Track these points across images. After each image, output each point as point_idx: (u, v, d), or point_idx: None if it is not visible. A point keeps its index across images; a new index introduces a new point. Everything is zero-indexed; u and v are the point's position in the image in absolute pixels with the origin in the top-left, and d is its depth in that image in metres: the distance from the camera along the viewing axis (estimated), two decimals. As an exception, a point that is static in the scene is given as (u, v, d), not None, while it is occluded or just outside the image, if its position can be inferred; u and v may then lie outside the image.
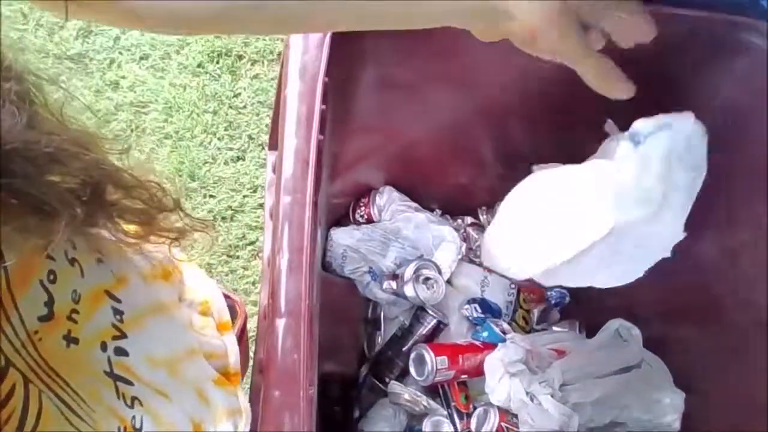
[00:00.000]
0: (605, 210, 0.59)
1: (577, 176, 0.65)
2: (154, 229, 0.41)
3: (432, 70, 0.75)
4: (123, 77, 1.47)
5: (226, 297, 0.66)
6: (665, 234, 0.64)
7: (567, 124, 0.90)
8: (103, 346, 0.40)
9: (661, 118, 0.59)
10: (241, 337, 0.64)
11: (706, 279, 0.84)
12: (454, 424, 0.89)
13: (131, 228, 0.41)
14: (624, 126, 0.61)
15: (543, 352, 0.89)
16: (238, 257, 1.34)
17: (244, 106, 1.46)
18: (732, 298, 0.78)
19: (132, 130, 1.42)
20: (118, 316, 0.41)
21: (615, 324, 0.91)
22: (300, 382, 0.46)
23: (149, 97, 1.45)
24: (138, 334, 0.43)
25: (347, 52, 0.61)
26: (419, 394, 0.88)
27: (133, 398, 0.41)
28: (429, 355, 0.86)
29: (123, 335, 0.41)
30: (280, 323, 0.48)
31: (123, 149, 0.36)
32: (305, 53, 0.58)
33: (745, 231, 0.76)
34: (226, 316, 0.60)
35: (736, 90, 0.70)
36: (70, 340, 0.37)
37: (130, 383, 0.41)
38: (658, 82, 0.78)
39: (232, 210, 1.37)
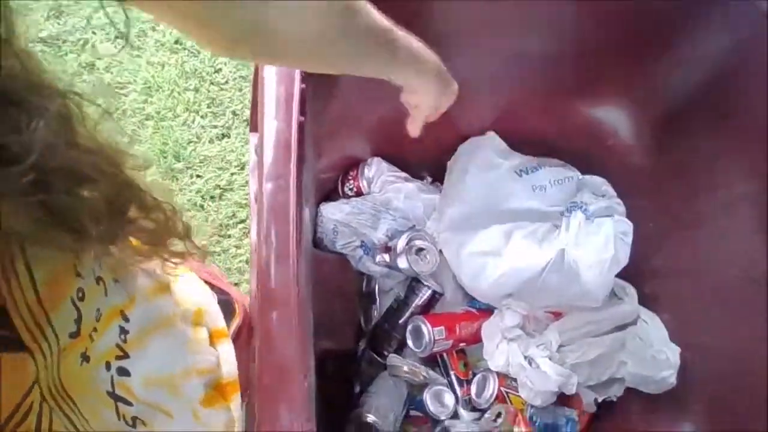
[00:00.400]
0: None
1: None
2: (159, 250, 0.41)
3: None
4: (98, 58, 1.43)
5: (222, 292, 0.65)
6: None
7: (547, 88, 0.89)
8: (108, 366, 0.40)
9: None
10: (239, 335, 0.63)
11: (699, 234, 0.84)
12: (455, 392, 0.90)
13: (138, 247, 0.40)
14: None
15: (539, 316, 0.89)
16: (229, 236, 1.33)
17: (226, 82, 1.43)
18: (724, 254, 0.78)
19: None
20: (122, 336, 0.41)
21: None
22: (295, 372, 0.45)
23: (127, 77, 1.41)
24: (140, 353, 0.43)
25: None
26: (418, 365, 0.89)
27: (134, 418, 0.41)
28: (426, 327, 0.86)
29: (125, 355, 0.41)
30: (271, 315, 0.47)
31: (145, 165, 0.36)
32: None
33: (739, 185, 0.75)
34: (221, 323, 0.58)
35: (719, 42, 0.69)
36: (84, 358, 0.38)
37: (129, 404, 0.41)
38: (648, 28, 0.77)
39: (220, 189, 1.35)
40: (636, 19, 0.76)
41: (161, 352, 0.46)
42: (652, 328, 0.86)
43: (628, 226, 0.86)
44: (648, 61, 0.81)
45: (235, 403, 0.55)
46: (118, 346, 0.41)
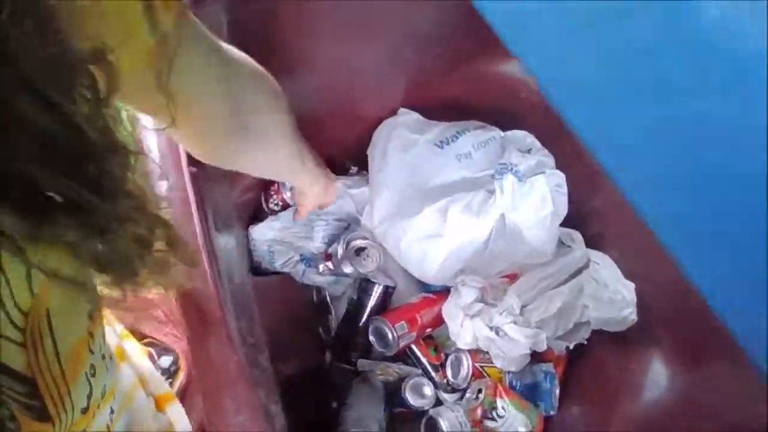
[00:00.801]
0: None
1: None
2: (160, 279, 0.40)
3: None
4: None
5: (167, 349, 0.63)
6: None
7: (449, 52, 0.86)
8: None
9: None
10: (187, 389, 0.61)
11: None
12: (432, 379, 0.89)
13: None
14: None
15: (495, 283, 0.88)
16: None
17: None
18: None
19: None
20: (111, 415, 0.43)
21: (555, 233, 0.91)
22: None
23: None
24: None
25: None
26: (389, 364, 0.87)
27: None
28: (386, 326, 0.84)
29: None
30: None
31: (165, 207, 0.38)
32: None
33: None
34: (165, 387, 0.58)
35: None
36: None
37: None
38: None
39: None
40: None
41: (134, 426, 0.48)
42: (603, 268, 0.86)
43: (560, 178, 0.85)
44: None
45: None
46: (107, 426, 0.43)
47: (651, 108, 0.31)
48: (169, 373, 0.70)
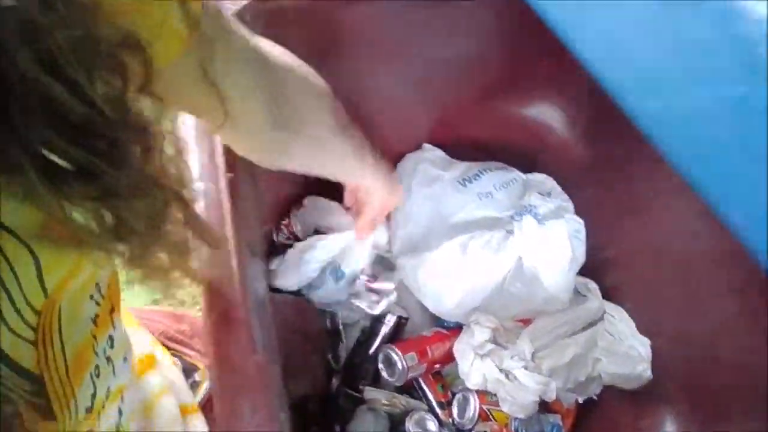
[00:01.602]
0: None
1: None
2: (182, 263, 0.40)
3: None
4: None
5: (192, 366, 0.65)
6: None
7: (478, 91, 0.89)
8: None
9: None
10: (208, 402, 0.62)
11: (649, 219, 0.85)
12: (437, 416, 0.88)
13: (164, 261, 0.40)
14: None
15: (509, 326, 0.88)
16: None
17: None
18: (681, 239, 0.78)
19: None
20: (120, 418, 0.43)
21: (572, 282, 0.91)
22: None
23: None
24: None
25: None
26: (396, 394, 0.87)
27: None
28: (396, 355, 0.84)
29: None
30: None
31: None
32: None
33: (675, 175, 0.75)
34: (189, 397, 0.59)
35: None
36: None
37: None
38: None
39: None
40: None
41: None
42: (619, 321, 0.86)
43: (579, 224, 0.86)
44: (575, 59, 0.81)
45: None
46: (117, 427, 0.43)
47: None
48: (191, 386, 0.70)
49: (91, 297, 0.37)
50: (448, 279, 0.84)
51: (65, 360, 0.35)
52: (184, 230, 0.39)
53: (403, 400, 0.88)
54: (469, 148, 0.94)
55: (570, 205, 0.88)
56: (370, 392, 0.88)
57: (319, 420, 0.88)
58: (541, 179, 0.92)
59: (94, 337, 0.38)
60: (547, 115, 0.90)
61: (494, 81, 0.87)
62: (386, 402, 0.86)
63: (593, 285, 0.89)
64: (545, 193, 0.89)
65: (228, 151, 0.53)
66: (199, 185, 0.50)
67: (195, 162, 0.52)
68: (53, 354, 0.34)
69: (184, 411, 0.58)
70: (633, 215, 0.86)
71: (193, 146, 0.52)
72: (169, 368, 0.60)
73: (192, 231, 0.39)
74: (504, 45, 0.81)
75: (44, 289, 0.32)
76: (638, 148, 0.79)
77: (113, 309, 0.41)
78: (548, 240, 0.84)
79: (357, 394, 0.88)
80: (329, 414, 0.88)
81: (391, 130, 0.92)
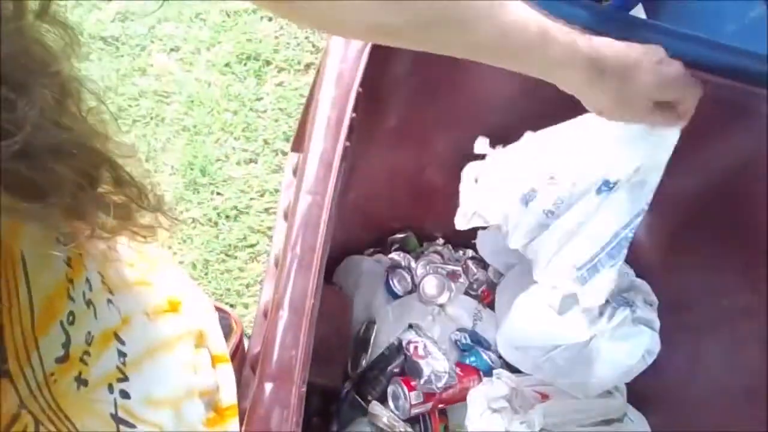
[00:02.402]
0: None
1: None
2: (127, 224, 0.39)
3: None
4: (151, 65, 1.49)
5: (222, 312, 0.64)
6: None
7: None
8: (110, 388, 0.40)
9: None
10: (235, 354, 0.64)
11: (700, 340, 0.85)
12: (432, 454, 0.88)
13: (108, 222, 0.38)
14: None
15: (527, 393, 0.89)
16: (236, 257, 1.34)
17: (265, 111, 1.48)
18: (722, 363, 0.78)
19: (151, 119, 1.44)
20: (122, 359, 0.42)
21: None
22: (294, 378, 0.46)
23: (173, 88, 1.47)
24: (138, 376, 0.43)
25: (383, 65, 0.63)
26: (398, 419, 0.88)
27: None
28: (403, 392, 0.86)
29: (125, 378, 0.41)
30: (282, 318, 0.48)
31: (129, 154, 0.36)
32: (343, 62, 0.59)
33: (742, 296, 0.76)
34: (222, 347, 0.58)
35: (744, 150, 0.72)
36: (81, 381, 0.37)
37: (132, 426, 0.41)
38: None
39: (237, 210, 1.37)
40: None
41: (161, 373, 0.46)
42: (638, 427, 0.85)
43: (657, 345, 0.84)
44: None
45: (234, 428, 0.54)
46: (118, 368, 0.41)
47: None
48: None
49: (58, 239, 0.34)
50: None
51: (32, 310, 0.32)
52: (121, 191, 0.36)
53: (402, 427, 0.89)
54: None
55: (657, 325, 0.86)
56: (375, 407, 0.89)
57: (321, 413, 0.90)
58: (648, 290, 0.90)
59: (71, 281, 0.36)
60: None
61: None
62: (387, 422, 0.87)
63: (622, 385, 0.89)
64: (648, 303, 0.88)
65: (352, 124, 0.58)
66: (320, 143, 0.56)
67: (322, 123, 0.57)
68: (18, 305, 0.31)
69: (216, 359, 0.57)
70: (686, 333, 0.85)
71: (325, 107, 0.57)
72: (200, 315, 0.58)
73: (122, 192, 0.36)
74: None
75: None
76: (710, 268, 0.82)
77: None
78: (627, 339, 0.83)
79: (363, 404, 0.90)
80: (332, 412, 0.90)
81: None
